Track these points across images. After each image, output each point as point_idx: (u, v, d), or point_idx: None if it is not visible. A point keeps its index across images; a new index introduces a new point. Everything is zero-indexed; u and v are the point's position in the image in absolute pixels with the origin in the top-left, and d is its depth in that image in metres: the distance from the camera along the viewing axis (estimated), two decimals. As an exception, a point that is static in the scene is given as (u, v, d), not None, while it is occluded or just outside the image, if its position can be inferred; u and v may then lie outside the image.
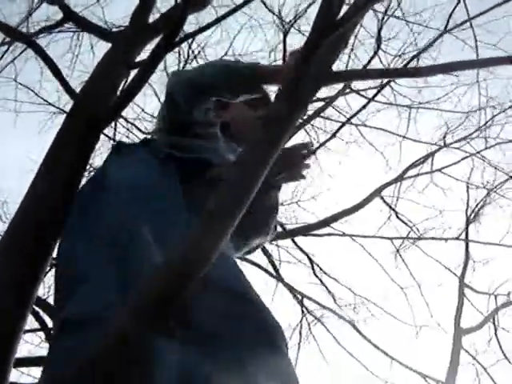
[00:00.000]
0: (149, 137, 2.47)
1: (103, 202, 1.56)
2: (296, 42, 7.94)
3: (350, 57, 7.48)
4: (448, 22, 6.90)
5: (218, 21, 5.17)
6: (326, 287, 7.90)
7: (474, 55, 6.86)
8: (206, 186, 1.56)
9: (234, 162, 1.31)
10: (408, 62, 6.87)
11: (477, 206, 8.61)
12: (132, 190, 1.57)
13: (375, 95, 7.51)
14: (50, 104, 7.94)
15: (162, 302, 1.08)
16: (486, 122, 8.41)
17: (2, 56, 6.55)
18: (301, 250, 7.74)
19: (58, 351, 1.28)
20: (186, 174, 1.69)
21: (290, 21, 7.70)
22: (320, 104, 7.97)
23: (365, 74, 1.68)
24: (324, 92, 7.77)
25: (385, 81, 7.15)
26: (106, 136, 7.90)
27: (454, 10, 6.73)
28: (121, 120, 8.15)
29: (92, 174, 1.74)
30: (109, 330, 1.07)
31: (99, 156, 8.05)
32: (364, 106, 7.26)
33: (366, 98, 7.90)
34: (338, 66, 6.93)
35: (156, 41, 2.90)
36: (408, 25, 7.67)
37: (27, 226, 1.70)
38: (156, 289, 1.10)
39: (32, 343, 6.51)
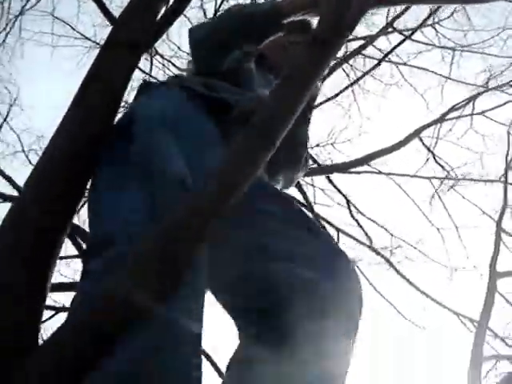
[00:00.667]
0: (177, 74, 2.43)
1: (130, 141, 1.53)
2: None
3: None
4: None
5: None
6: (363, 228, 7.83)
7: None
8: (233, 125, 1.54)
9: (279, 80, 1.27)
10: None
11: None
12: (161, 120, 1.54)
13: (412, 33, 7.29)
14: (87, 38, 7.90)
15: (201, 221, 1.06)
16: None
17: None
18: (337, 189, 7.66)
19: (85, 274, 1.30)
20: (212, 113, 1.65)
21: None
22: (360, 42, 7.79)
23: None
24: (364, 31, 7.59)
25: (428, 19, 6.92)
26: (142, 71, 7.87)
27: None
28: (157, 57, 8.10)
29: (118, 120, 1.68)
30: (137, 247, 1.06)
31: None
32: (402, 42, 7.04)
33: (408, 37, 7.69)
34: None
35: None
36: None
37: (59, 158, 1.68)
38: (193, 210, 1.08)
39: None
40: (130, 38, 1.91)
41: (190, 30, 1.99)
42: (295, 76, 1.22)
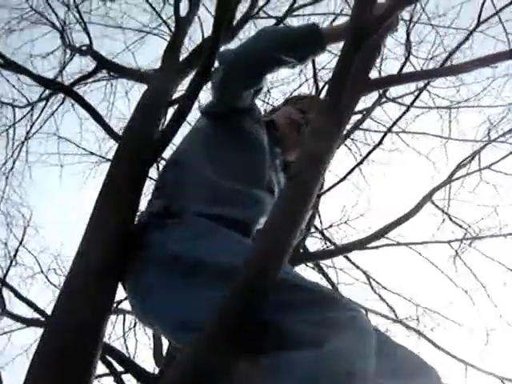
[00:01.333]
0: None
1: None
2: (324, 58, 7.95)
3: (380, 66, 7.44)
4: (479, 19, 6.81)
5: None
6: (386, 302, 7.77)
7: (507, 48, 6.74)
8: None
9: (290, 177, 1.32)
10: (443, 63, 6.79)
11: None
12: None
13: (414, 100, 7.44)
14: (92, 153, 8.09)
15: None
16: (529, 112, 8.23)
17: (42, 110, 6.72)
18: (356, 266, 7.66)
19: None
20: None
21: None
22: (358, 117, 7.94)
23: (401, 78, 1.67)
24: (360, 104, 7.74)
25: (421, 85, 7.08)
26: (151, 178, 8.01)
27: (482, 5, 6.63)
28: (163, 162, 8.26)
29: None
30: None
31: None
32: (405, 112, 7.19)
33: (403, 104, 7.83)
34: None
35: (191, 76, 2.95)
36: (434, 27, 7.61)
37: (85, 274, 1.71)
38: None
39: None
40: (134, 156, 1.98)
41: (220, 54, 1.88)
42: (303, 177, 1.28)
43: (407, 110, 7.25)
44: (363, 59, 1.60)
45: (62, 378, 1.43)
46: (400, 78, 1.75)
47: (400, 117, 7.25)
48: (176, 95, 2.95)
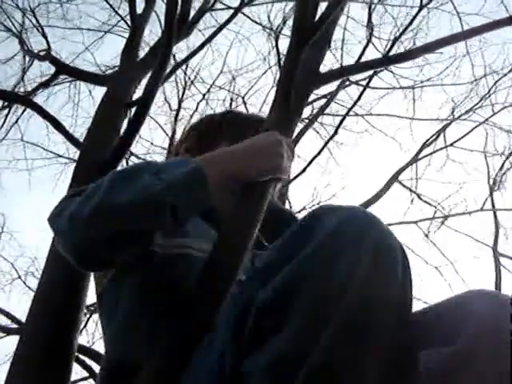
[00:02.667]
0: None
1: None
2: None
3: (342, 49, 7.49)
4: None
5: (206, 42, 5.23)
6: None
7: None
8: None
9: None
10: (390, 48, 6.83)
11: (497, 173, 8.57)
12: None
13: (368, 82, 7.50)
14: (60, 156, 8.04)
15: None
16: (490, 89, 8.37)
17: (5, 119, 6.66)
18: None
19: None
20: None
21: (279, 25, 7.71)
22: (323, 101, 7.99)
23: (348, 69, 1.71)
24: (325, 89, 7.79)
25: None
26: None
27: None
28: (132, 158, 8.25)
29: None
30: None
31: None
32: (361, 93, 7.24)
33: (365, 87, 7.91)
34: (333, 62, 6.94)
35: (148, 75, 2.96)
36: (387, 8, 7.68)
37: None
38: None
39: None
40: (96, 160, 2.01)
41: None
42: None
43: (364, 90, 7.30)
44: (312, 54, 1.63)
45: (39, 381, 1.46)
46: (351, 68, 1.79)
47: (358, 98, 7.28)
48: (137, 95, 2.96)
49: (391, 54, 5.86)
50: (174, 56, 5.60)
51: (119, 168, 1.27)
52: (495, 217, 8.15)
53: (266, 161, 1.20)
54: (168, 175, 1.12)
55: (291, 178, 6.86)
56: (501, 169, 8.57)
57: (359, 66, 1.72)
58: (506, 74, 8.22)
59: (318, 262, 0.85)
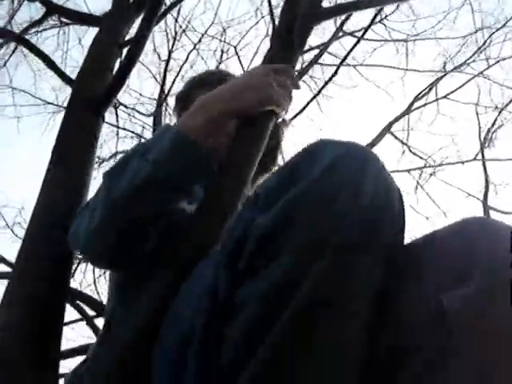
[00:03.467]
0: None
1: None
2: (280, -5, 7.83)
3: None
4: None
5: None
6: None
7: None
8: None
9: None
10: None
11: (490, 128, 8.56)
12: None
13: (365, 31, 7.42)
14: (48, 103, 7.94)
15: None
16: (485, 42, 8.30)
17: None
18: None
19: None
20: None
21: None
22: (315, 52, 7.90)
23: (353, 4, 1.66)
24: (317, 39, 7.70)
25: (374, 16, 7.05)
26: (109, 124, 7.93)
27: None
28: (121, 107, 8.17)
29: None
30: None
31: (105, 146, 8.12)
32: (356, 44, 7.17)
33: (360, 38, 7.81)
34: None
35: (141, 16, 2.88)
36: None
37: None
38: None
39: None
40: (89, 99, 1.96)
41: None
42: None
43: (358, 40, 7.22)
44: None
45: (31, 324, 1.45)
46: (351, 5, 1.74)
47: (353, 47, 7.20)
48: (129, 37, 2.90)
49: None
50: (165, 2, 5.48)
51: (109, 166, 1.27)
52: (485, 171, 8.19)
53: (253, 91, 1.16)
54: (154, 152, 1.10)
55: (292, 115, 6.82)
56: (493, 124, 8.56)
57: (361, 3, 1.66)
58: (501, 27, 8.14)
59: (317, 191, 0.83)
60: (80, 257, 1.18)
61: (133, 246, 1.16)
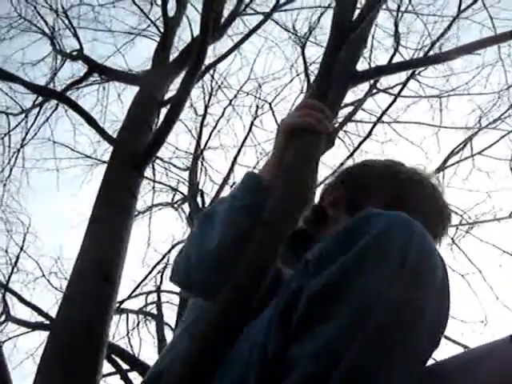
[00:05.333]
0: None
1: None
2: (314, 52, 7.99)
3: (370, 59, 7.48)
4: (460, 6, 6.84)
5: (235, 47, 5.26)
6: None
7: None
8: None
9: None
10: (426, 52, 6.82)
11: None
12: None
13: (402, 89, 7.47)
14: (87, 156, 8.10)
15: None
16: (518, 98, 8.29)
17: (36, 117, 6.77)
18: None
19: None
20: None
21: (305, 33, 7.73)
22: (350, 108, 7.98)
23: (389, 68, 1.71)
24: (352, 96, 7.78)
25: (409, 74, 7.13)
26: (147, 178, 8.06)
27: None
28: (157, 161, 8.31)
29: None
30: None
31: (141, 199, 8.24)
32: (393, 102, 7.24)
33: (393, 94, 7.88)
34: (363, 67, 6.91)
35: (181, 76, 2.98)
36: (419, 17, 7.63)
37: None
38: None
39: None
40: (130, 156, 2.03)
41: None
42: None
43: (395, 99, 7.29)
44: (349, 53, 1.64)
45: (70, 377, 1.48)
46: (386, 68, 1.80)
47: (389, 106, 7.28)
48: (168, 95, 2.99)
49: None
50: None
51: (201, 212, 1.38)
52: (523, 227, 8.07)
53: (292, 118, 1.31)
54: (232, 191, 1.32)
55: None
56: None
57: (395, 66, 1.72)
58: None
59: (365, 261, 0.89)
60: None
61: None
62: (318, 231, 1.42)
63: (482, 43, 1.64)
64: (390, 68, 1.72)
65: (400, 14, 7.27)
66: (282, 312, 0.94)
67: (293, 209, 1.12)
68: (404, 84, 7.08)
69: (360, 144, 7.28)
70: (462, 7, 6.84)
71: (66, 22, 6.21)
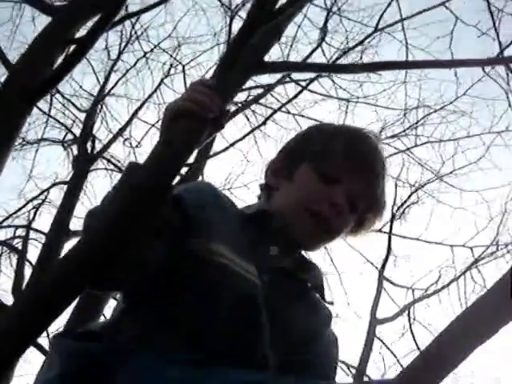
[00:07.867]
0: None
1: None
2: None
3: (291, 46, 7.56)
4: (379, 21, 7.07)
5: (163, 1, 5.17)
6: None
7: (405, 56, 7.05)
8: None
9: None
10: (337, 58, 7.01)
11: (402, 203, 8.89)
12: None
13: (308, 84, 7.64)
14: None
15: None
16: (418, 121, 8.65)
17: None
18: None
19: None
20: None
21: (238, 5, 7.69)
22: (260, 90, 8.06)
23: (294, 66, 1.76)
24: (265, 79, 7.86)
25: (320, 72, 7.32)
26: (41, 110, 7.79)
27: (385, 10, 6.90)
28: (57, 95, 8.04)
29: None
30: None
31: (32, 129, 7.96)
32: (298, 94, 7.38)
33: (304, 88, 8.02)
34: (278, 55, 7.00)
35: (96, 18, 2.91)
36: (348, 21, 7.79)
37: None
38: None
39: None
40: (23, 87, 1.97)
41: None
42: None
43: (301, 91, 7.44)
44: (262, 41, 1.66)
45: None
46: (292, 66, 1.85)
47: (295, 96, 7.40)
48: (79, 35, 2.91)
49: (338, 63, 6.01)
50: (127, 7, 5.50)
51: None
52: (389, 242, 8.50)
53: (174, 102, 1.26)
54: None
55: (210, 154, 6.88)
56: (406, 200, 8.90)
57: (303, 66, 1.78)
58: (437, 110, 8.52)
59: None
60: None
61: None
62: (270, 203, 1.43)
63: (382, 65, 1.73)
64: (296, 66, 1.77)
65: (331, 13, 7.40)
66: None
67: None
68: (312, 80, 7.22)
69: (259, 126, 7.38)
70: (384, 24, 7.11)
71: None
